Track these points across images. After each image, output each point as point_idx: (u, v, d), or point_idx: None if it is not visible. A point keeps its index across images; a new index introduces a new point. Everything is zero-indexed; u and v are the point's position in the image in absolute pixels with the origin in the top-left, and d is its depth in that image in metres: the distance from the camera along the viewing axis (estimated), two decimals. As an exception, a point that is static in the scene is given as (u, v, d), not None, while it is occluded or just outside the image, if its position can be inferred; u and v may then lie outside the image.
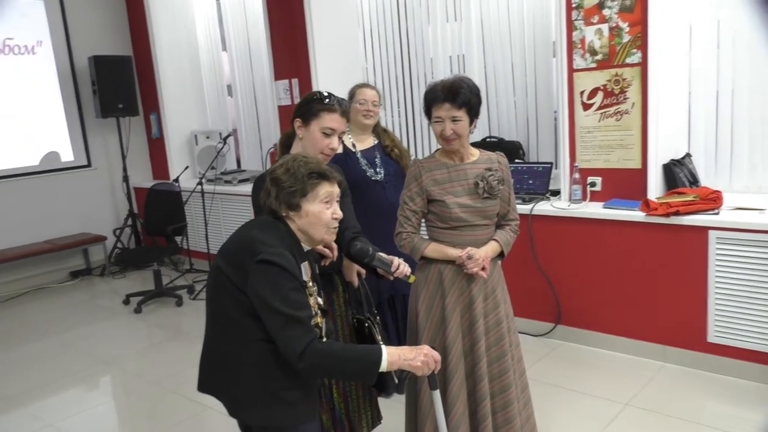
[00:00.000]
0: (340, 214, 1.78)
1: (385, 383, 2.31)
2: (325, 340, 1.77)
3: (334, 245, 2.12)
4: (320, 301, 1.83)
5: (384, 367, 1.63)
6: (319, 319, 1.76)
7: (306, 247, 1.80)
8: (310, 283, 1.76)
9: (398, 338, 3.33)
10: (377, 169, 3.23)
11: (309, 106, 2.18)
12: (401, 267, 2.10)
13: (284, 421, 1.72)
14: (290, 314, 1.60)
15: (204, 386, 1.84)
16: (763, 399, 3.04)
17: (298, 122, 2.21)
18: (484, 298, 2.35)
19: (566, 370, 3.52)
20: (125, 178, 6.45)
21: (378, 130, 3.36)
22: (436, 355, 1.74)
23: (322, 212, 1.73)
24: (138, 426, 3.37)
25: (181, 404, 3.44)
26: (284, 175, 1.73)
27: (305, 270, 1.74)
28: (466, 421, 2.35)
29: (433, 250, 2.33)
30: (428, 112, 2.30)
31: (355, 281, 2.36)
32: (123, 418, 3.54)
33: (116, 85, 6.18)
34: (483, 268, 2.26)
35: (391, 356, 1.66)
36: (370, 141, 3.32)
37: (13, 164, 6.03)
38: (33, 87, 6.11)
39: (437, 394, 1.90)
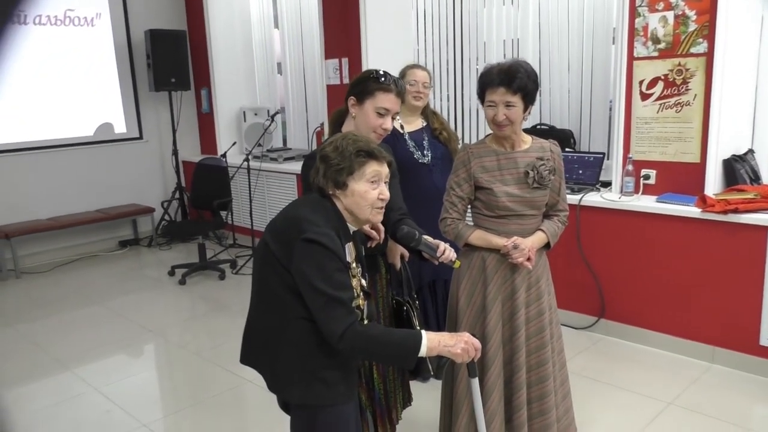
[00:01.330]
0: (387, 194, 1.75)
1: (419, 367, 2.31)
2: (366, 322, 1.76)
3: (381, 227, 2.10)
4: (363, 282, 1.81)
5: (423, 352, 1.62)
6: (361, 301, 1.74)
7: (352, 228, 1.78)
8: (354, 264, 1.75)
9: (437, 323, 3.31)
10: (425, 152, 3.20)
11: (365, 84, 2.15)
12: (447, 252, 2.07)
13: (322, 400, 1.71)
14: (332, 294, 1.59)
15: (246, 359, 1.85)
16: (817, 408, 2.93)
17: (352, 100, 2.19)
18: (527, 288, 2.31)
19: (608, 365, 3.44)
20: (175, 152, 6.57)
21: (427, 112, 3.32)
22: (477, 343, 1.72)
23: (368, 192, 1.70)
24: (179, 395, 3.45)
25: (222, 376, 3.51)
26: (333, 152, 1.71)
27: (349, 251, 1.73)
28: (502, 410, 2.33)
29: (478, 237, 2.29)
30: (482, 96, 2.24)
31: (398, 263, 2.34)
32: (164, 387, 3.63)
33: (170, 59, 6.28)
34: (528, 259, 2.22)
35: (431, 342, 1.64)
36: (418, 123, 3.29)
37: (69, 134, 6.20)
38: (90, 59, 6.25)
39: (476, 382, 1.88)
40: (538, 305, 2.32)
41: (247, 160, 5.64)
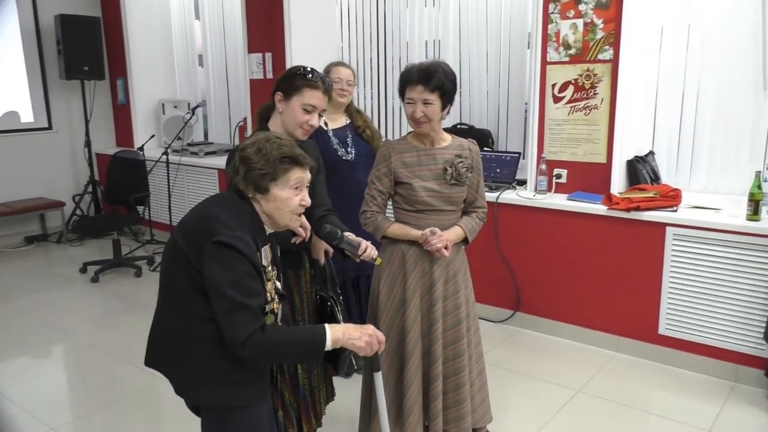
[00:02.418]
0: (308, 201, 1.73)
1: (339, 364, 2.35)
2: (280, 325, 1.76)
3: (307, 225, 2.11)
4: (278, 285, 1.79)
5: (329, 346, 1.61)
6: (275, 305, 1.73)
7: (269, 230, 1.75)
8: (270, 268, 1.72)
9: (361, 317, 3.35)
10: (348, 149, 3.23)
11: (292, 80, 2.15)
12: (368, 250, 2.12)
13: (234, 402, 1.67)
14: (239, 301, 1.54)
15: (151, 361, 1.78)
16: (709, 390, 3.17)
17: (278, 96, 2.18)
18: (445, 282, 2.38)
19: (522, 356, 3.59)
20: (87, 144, 6.28)
21: (351, 110, 3.35)
22: (381, 336, 1.71)
23: (290, 198, 1.68)
24: (90, 396, 3.32)
25: (135, 376, 3.40)
26: (256, 155, 1.65)
27: (265, 254, 1.70)
28: (420, 400, 2.39)
29: (396, 229, 2.35)
30: (402, 93, 2.30)
31: (322, 259, 2.36)
32: (75, 388, 3.48)
33: (83, 46, 5.99)
34: (445, 248, 2.28)
35: (335, 334, 1.62)
36: (342, 120, 3.31)
37: (-31, 122, 5.82)
38: (-7, 43, 5.88)
39: (379, 376, 1.88)
40: (454, 299, 2.39)
41: (166, 153, 5.48)
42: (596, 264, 3.61)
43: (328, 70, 3.27)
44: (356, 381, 2.85)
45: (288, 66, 4.81)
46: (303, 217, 2.04)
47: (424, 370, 2.39)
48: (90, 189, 6.33)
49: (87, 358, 3.74)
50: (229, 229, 1.57)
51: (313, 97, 2.12)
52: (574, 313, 3.74)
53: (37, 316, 4.28)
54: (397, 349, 2.39)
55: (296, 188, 1.69)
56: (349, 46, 5.28)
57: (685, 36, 3.63)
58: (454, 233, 2.35)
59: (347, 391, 2.85)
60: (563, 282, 3.76)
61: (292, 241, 2.10)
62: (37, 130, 6.28)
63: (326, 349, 1.60)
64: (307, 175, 1.72)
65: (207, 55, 6.33)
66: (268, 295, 1.67)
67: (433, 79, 2.20)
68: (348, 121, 3.32)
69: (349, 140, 3.26)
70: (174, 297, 1.68)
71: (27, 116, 6.21)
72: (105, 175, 5.81)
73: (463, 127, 4.60)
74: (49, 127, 6.38)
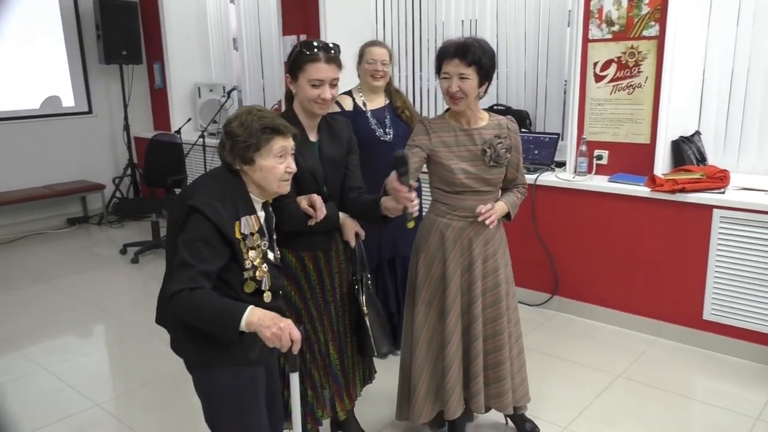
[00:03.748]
0: (293, 167, 1.79)
1: (362, 345, 2.34)
2: (267, 294, 1.79)
3: (319, 205, 2.10)
4: (271, 256, 1.83)
5: (243, 326, 1.57)
6: (260, 272, 1.78)
7: (258, 200, 1.82)
8: (255, 236, 1.76)
9: (397, 300, 3.34)
10: (387, 130, 3.20)
11: (295, 60, 2.13)
12: (415, 201, 2.03)
13: (216, 360, 1.77)
14: (184, 259, 1.63)
15: (159, 318, 1.93)
16: (756, 377, 3.08)
17: (287, 78, 2.18)
18: (484, 260, 2.36)
19: (560, 340, 3.54)
20: (126, 127, 6.38)
21: (390, 90, 3.31)
22: (295, 335, 1.58)
23: (275, 167, 1.75)
24: (130, 374, 3.39)
25: (173, 356, 3.45)
26: (239, 128, 1.74)
27: (248, 223, 1.75)
28: (461, 379, 2.39)
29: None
30: (439, 69, 2.26)
31: (353, 241, 2.33)
32: (115, 366, 3.56)
33: (121, 31, 6.07)
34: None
35: (251, 316, 1.58)
36: (381, 101, 3.28)
37: (14, 106, 5.95)
38: (36, 28, 5.99)
39: (295, 377, 1.74)
40: (494, 277, 2.37)
41: (202, 137, 5.52)
42: (638, 247, 3.51)
43: (362, 51, 3.23)
44: (393, 362, 2.84)
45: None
46: (317, 200, 2.10)
47: (464, 348, 2.39)
48: (129, 172, 6.43)
49: (128, 337, 3.82)
50: (204, 195, 1.70)
51: (315, 71, 2.08)
52: (615, 298, 3.66)
53: (79, 296, 4.38)
54: (437, 328, 2.39)
55: (280, 156, 1.76)
56: (384, 27, 5.23)
57: (736, 11, 3.48)
58: (498, 208, 2.33)
59: (386, 372, 2.84)
60: (603, 265, 3.68)
61: (308, 222, 2.10)
62: (78, 114, 6.40)
63: (241, 329, 1.57)
64: (290, 143, 1.78)
65: (242, 38, 6.35)
66: (248, 262, 1.74)
67: (469, 53, 2.16)
68: (387, 102, 3.28)
69: (387, 121, 3.22)
70: (170, 258, 1.78)
71: (68, 101, 6.33)
72: (143, 158, 5.90)
73: (500, 107, 4.52)
74: (90, 112, 6.49)
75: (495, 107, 4.53)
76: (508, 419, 2.68)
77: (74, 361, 3.49)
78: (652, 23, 3.40)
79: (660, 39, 3.38)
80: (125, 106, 6.35)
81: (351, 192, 2.29)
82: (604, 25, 3.57)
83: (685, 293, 3.39)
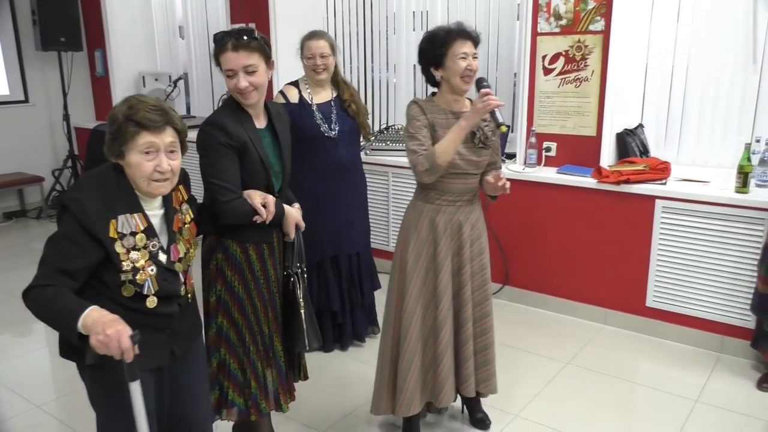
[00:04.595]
0: (164, 167, 1.61)
1: (294, 339, 2.28)
2: (151, 299, 1.66)
3: (271, 207, 2.06)
4: (162, 258, 1.68)
5: (80, 328, 1.46)
6: (142, 275, 1.63)
7: (145, 198, 1.67)
8: (138, 236, 1.63)
9: (341, 298, 3.30)
10: (332, 125, 3.14)
11: (214, 53, 2.08)
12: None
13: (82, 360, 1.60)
14: (44, 256, 1.57)
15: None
16: (695, 361, 3.20)
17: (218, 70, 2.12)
18: (471, 243, 2.41)
19: (511, 329, 3.60)
20: (66, 117, 6.12)
21: (338, 82, 3.25)
22: (124, 343, 1.43)
23: (141, 164, 1.59)
24: (74, 374, 3.25)
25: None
26: (110, 118, 1.61)
27: (128, 221, 1.62)
28: (453, 366, 2.42)
29: (449, 136, 2.21)
30: (442, 54, 2.27)
31: (292, 234, 2.25)
32: (56, 366, 3.41)
33: (59, 16, 5.80)
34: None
35: (87, 319, 1.45)
36: (327, 94, 3.22)
37: (-58, 95, 5.64)
38: (-35, 12, 5.68)
39: (136, 386, 1.54)
40: (480, 260, 2.43)
41: (147, 127, 5.35)
42: (585, 237, 3.60)
43: (301, 44, 3.16)
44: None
45: (271, 37, 4.70)
46: (271, 202, 2.06)
47: (454, 332, 2.42)
48: (69, 164, 6.19)
49: (70, 335, 3.68)
50: (75, 191, 1.62)
51: (225, 60, 2.01)
52: (563, 287, 3.75)
53: (16, 293, 4.17)
54: (428, 315, 2.40)
55: (146, 153, 1.59)
56: (335, 16, 5.17)
57: (676, 8, 3.60)
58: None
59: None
60: (552, 255, 3.75)
61: (254, 219, 2.05)
62: (13, 103, 6.10)
63: (79, 330, 1.47)
64: (164, 139, 1.60)
65: (188, 26, 6.18)
66: (127, 264, 1.60)
67: (476, 36, 2.34)
68: (335, 95, 3.22)
69: (333, 116, 3.16)
70: None
71: (2, 89, 6.02)
72: (84, 149, 5.68)
73: (451, 100, 4.54)
74: (26, 101, 6.20)
75: (446, 99, 4.54)
76: (464, 407, 2.72)
77: (12, 361, 3.34)
78: (598, 18, 3.47)
79: (605, 33, 3.46)
80: (65, 94, 6.09)
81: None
82: (552, 19, 3.63)
83: (629, 281, 3.49)
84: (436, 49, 2.29)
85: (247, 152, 2.08)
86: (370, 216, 3.51)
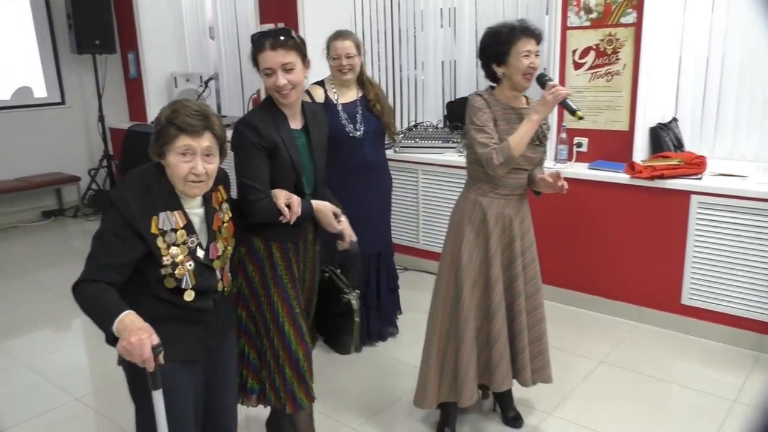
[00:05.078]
0: (199, 170, 1.67)
1: (339, 342, 2.35)
2: (189, 293, 1.72)
3: (296, 208, 2.01)
4: (200, 254, 1.75)
5: (114, 330, 1.51)
6: (180, 270, 1.70)
7: (185, 197, 1.73)
8: (179, 233, 1.70)
9: (378, 291, 3.32)
10: (357, 126, 3.14)
11: (252, 54, 2.10)
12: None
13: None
14: (92, 251, 1.65)
15: None
16: (733, 360, 3.13)
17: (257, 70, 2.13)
18: (522, 237, 2.44)
19: (542, 327, 3.56)
20: (101, 118, 6.26)
21: (363, 81, 3.24)
22: (145, 353, 1.48)
23: (177, 165, 1.66)
24: (111, 368, 3.33)
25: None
26: (156, 120, 1.72)
27: (168, 218, 1.69)
28: (508, 354, 2.44)
29: (521, 131, 2.25)
30: (505, 52, 2.28)
31: (333, 226, 2.14)
32: (94, 360, 3.50)
33: (93, 20, 5.94)
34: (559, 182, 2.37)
35: (120, 323, 1.51)
36: (353, 94, 3.22)
37: (-17, 98, 5.82)
38: (4, 19, 5.83)
39: (158, 395, 1.59)
40: (531, 252, 2.47)
41: (179, 127, 5.44)
42: (618, 234, 3.55)
43: (327, 44, 3.17)
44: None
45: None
46: (295, 202, 2.00)
47: (508, 323, 2.44)
48: (105, 163, 6.32)
49: (107, 331, 3.76)
50: (121, 188, 1.71)
51: (264, 59, 2.03)
52: (596, 284, 3.70)
53: (55, 290, 4.30)
54: (482, 305, 2.42)
55: (183, 154, 1.66)
56: (363, 15, 5.18)
57: (711, -3, 3.52)
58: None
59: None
60: (584, 253, 3.71)
61: (279, 219, 2.03)
62: (51, 105, 6.26)
63: (113, 332, 1.51)
64: (202, 143, 1.67)
65: (218, 26, 6.25)
66: (167, 258, 1.68)
67: (540, 34, 2.33)
68: (360, 95, 3.22)
69: (358, 116, 3.16)
70: None
71: (40, 91, 6.19)
72: (119, 150, 5.80)
73: (480, 96, 4.52)
74: (62, 102, 6.36)
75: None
76: (497, 405, 2.70)
77: (53, 355, 3.42)
78: (630, 10, 3.41)
79: (637, 26, 3.40)
80: (99, 96, 6.23)
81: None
82: (582, 13, 3.58)
83: (664, 279, 3.43)
84: (499, 46, 2.30)
85: (278, 153, 2.08)
86: (398, 214, 3.52)
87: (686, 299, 3.37)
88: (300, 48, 2.05)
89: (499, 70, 2.33)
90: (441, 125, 4.66)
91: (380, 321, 3.43)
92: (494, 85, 2.42)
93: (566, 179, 3.60)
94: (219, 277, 1.82)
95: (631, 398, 2.85)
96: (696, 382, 2.96)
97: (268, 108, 2.12)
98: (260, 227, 2.13)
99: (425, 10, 4.84)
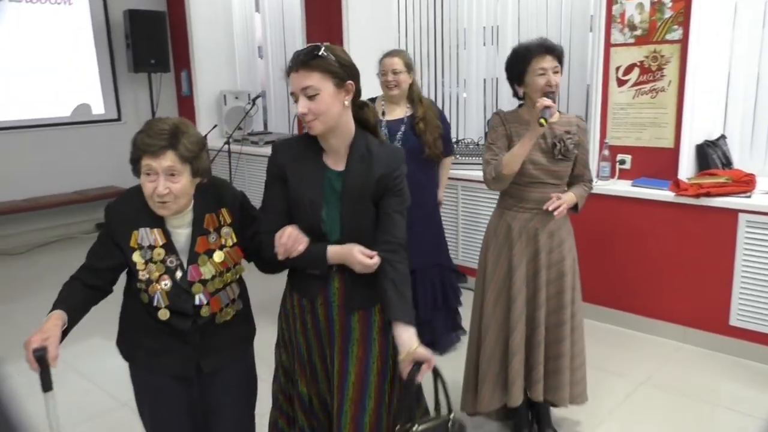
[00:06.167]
0: (161, 191, 1.62)
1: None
2: (163, 312, 1.74)
3: (284, 239, 1.64)
4: (178, 275, 1.72)
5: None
6: (153, 287, 1.72)
7: (168, 216, 1.71)
8: (157, 251, 1.71)
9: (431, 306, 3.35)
10: (395, 143, 3.13)
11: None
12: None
13: (126, 356, 1.91)
14: (87, 254, 1.77)
15: None
16: (782, 385, 3.03)
17: None
18: (549, 250, 2.44)
19: (586, 346, 3.50)
20: (150, 134, 6.49)
21: (413, 99, 3.26)
22: (28, 354, 1.52)
23: (144, 184, 1.66)
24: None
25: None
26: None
27: (147, 235, 1.71)
28: (523, 368, 2.46)
29: (512, 154, 2.28)
30: (522, 71, 2.34)
31: (362, 264, 1.72)
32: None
33: (150, 40, 6.21)
34: (557, 207, 2.35)
35: (45, 321, 1.68)
36: (401, 111, 3.25)
37: (46, 114, 6.12)
38: (67, 38, 6.15)
39: (48, 397, 1.57)
40: (558, 267, 2.46)
41: (227, 143, 5.60)
42: (663, 252, 3.48)
43: (379, 62, 3.25)
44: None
45: (346, 55, 4.83)
46: (287, 230, 1.65)
47: (527, 335, 2.45)
48: (156, 178, 6.54)
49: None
50: (117, 200, 1.79)
51: (291, 83, 1.74)
52: (639, 303, 3.63)
53: (108, 298, 4.46)
54: (505, 317, 2.46)
55: (148, 174, 1.64)
56: (406, 35, 5.26)
57: (762, 13, 3.45)
58: (568, 198, 2.41)
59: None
60: (627, 271, 3.65)
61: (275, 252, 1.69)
62: (108, 122, 6.55)
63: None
64: (161, 164, 1.61)
65: (267, 46, 6.45)
66: (143, 274, 1.72)
67: (557, 49, 2.34)
68: (409, 113, 3.25)
69: (400, 134, 3.19)
70: None
71: (98, 108, 6.48)
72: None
73: (522, 113, 4.52)
74: (119, 119, 6.64)
75: (517, 112, 4.52)
76: (535, 423, 2.69)
77: (103, 361, 3.56)
78: (675, 27, 3.38)
79: (683, 42, 3.36)
80: (153, 113, 6.48)
81: (379, 245, 1.76)
82: (626, 30, 3.56)
83: (711, 299, 3.35)
84: (517, 65, 2.35)
85: (289, 185, 1.78)
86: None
87: (734, 320, 3.27)
88: (328, 68, 1.67)
89: (520, 90, 2.39)
90: (482, 142, 4.67)
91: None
92: (522, 103, 2.47)
93: (609, 197, 3.60)
94: (203, 301, 1.75)
95: (673, 421, 2.78)
96: (742, 404, 2.87)
97: (306, 136, 1.82)
98: (290, 277, 1.90)
99: (468, 28, 4.88)
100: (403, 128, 3.20)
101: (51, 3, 6.00)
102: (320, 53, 1.67)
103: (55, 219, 6.17)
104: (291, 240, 1.64)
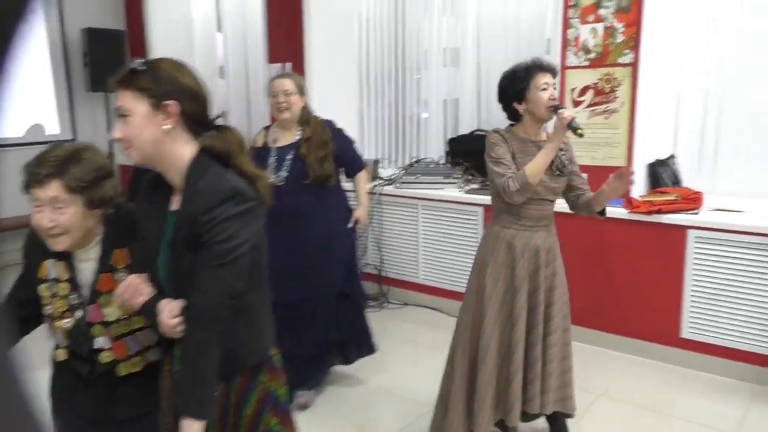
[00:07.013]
0: (42, 223, 1.50)
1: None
2: (60, 352, 1.63)
3: (129, 293, 1.48)
4: (78, 315, 1.59)
5: None
6: (58, 324, 1.60)
7: (56, 248, 1.58)
8: (62, 285, 1.60)
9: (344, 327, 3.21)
10: (281, 171, 2.95)
11: None
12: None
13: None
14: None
15: None
16: (733, 393, 3.13)
17: None
18: (546, 265, 2.47)
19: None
20: (110, 155, 6.38)
21: (303, 122, 3.03)
22: None
23: (33, 215, 1.53)
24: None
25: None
26: None
27: (54, 267, 1.60)
28: (520, 390, 2.46)
29: (537, 159, 2.31)
30: (523, 89, 2.39)
31: (171, 330, 1.45)
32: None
33: (108, 59, 6.13)
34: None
35: None
36: (290, 136, 3.02)
37: (-2, 133, 5.97)
38: (21, 56, 6.03)
39: None
40: (551, 281, 2.50)
41: (187, 162, 5.56)
42: (617, 268, 3.59)
43: (269, 83, 3.08)
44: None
45: (307, 77, 4.87)
46: (132, 283, 1.49)
47: (525, 352, 2.47)
48: (113, 198, 6.42)
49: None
50: (32, 229, 1.62)
51: None
52: (595, 318, 3.72)
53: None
54: (504, 337, 2.45)
55: (36, 206, 1.52)
56: (368, 55, 5.34)
57: (709, 35, 3.62)
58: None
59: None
60: (582, 286, 3.73)
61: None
62: (62, 142, 6.40)
63: None
64: (45, 194, 1.49)
65: (228, 66, 6.43)
66: (48, 308, 1.60)
67: (554, 68, 2.45)
68: (299, 137, 3.00)
69: (287, 161, 2.95)
70: None
71: (53, 128, 6.34)
72: (128, 186, 5.91)
73: (480, 133, 4.62)
74: (74, 139, 6.50)
75: (476, 132, 4.62)
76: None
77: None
78: (627, 51, 3.53)
79: (634, 65, 3.51)
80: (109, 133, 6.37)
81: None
82: (581, 53, 3.70)
83: (663, 312, 3.45)
84: (517, 84, 2.41)
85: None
86: (398, 248, 3.48)
87: (686, 333, 3.38)
88: (141, 86, 1.45)
89: (521, 107, 2.43)
90: (442, 161, 4.75)
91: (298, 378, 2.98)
92: (513, 123, 2.51)
93: (564, 214, 3.70)
94: (105, 345, 1.58)
95: (631, 431, 2.84)
96: (696, 415, 2.96)
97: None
98: None
99: (429, 49, 4.98)
100: (291, 154, 2.98)
101: (5, 20, 5.88)
102: (135, 66, 1.47)
103: (4, 244, 5.98)
104: (130, 291, 1.47)
